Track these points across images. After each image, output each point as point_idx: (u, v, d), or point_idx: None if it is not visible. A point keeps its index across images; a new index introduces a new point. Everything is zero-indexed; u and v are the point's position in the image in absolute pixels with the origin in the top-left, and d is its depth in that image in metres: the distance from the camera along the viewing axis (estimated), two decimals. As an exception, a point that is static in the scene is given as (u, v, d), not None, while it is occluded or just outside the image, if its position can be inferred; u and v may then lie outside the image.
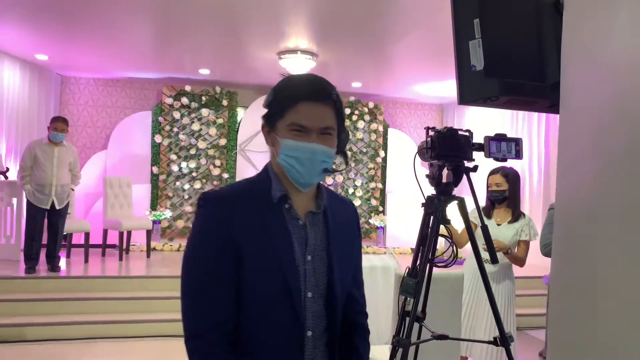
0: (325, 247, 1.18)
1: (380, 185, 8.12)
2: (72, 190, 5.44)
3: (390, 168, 8.22)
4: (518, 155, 1.67)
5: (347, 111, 7.94)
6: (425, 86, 7.48)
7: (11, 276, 5.16)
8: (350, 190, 7.98)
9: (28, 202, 5.15)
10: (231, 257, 1.11)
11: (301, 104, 1.12)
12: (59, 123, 5.14)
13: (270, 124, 1.18)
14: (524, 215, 3.03)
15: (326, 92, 1.14)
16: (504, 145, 1.62)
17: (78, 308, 4.88)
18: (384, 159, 8.19)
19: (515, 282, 3.09)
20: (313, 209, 1.20)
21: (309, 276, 1.15)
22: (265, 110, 1.19)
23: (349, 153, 7.80)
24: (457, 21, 1.19)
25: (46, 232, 5.31)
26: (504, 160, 1.66)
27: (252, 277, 1.11)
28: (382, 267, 3.60)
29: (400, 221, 7.83)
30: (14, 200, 5.86)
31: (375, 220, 7.73)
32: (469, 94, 1.16)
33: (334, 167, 1.17)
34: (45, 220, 5.22)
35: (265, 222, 1.14)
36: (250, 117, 7.73)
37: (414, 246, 1.81)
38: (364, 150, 8.10)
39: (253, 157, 7.75)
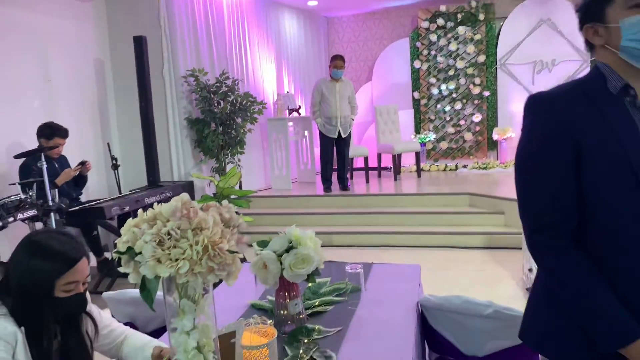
0: None
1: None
2: (352, 120, 6.15)
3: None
4: None
5: None
6: None
7: (312, 194, 6.28)
8: None
9: (320, 133, 6.06)
10: (570, 154, 1.10)
11: None
12: (338, 61, 5.81)
13: (595, 17, 1.13)
14: None
15: None
16: None
17: (365, 220, 5.67)
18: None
19: None
20: None
21: None
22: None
23: None
24: None
25: (335, 157, 6.20)
26: None
27: (597, 172, 1.09)
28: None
29: None
30: (306, 133, 6.97)
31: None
32: None
33: None
34: (334, 148, 6.10)
35: (606, 116, 1.09)
36: (510, 28, 7.28)
37: None
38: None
39: (515, 70, 7.34)
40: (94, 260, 4.13)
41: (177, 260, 0.97)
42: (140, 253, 0.98)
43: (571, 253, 1.12)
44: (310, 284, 2.02)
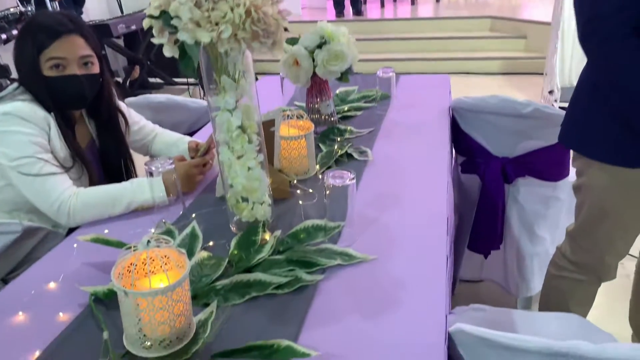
0: None
1: None
2: None
3: None
4: None
5: None
6: None
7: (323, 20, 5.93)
8: None
9: (332, -53, 5.49)
10: None
11: None
12: None
13: None
14: None
15: None
16: None
17: (380, 47, 5.44)
18: None
19: None
20: None
21: None
22: None
23: None
24: None
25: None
26: None
27: None
28: None
29: None
30: (316, -51, 6.34)
31: None
32: None
33: None
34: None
35: None
36: None
37: None
38: None
39: None
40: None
41: (217, 24, 0.88)
42: (176, 17, 0.88)
43: (633, 39, 1.04)
44: (338, 92, 1.97)
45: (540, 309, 1.50)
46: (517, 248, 1.79)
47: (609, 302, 1.84)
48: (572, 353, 0.63)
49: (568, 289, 1.36)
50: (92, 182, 1.29)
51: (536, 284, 1.79)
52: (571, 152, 1.32)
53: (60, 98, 1.22)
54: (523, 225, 1.76)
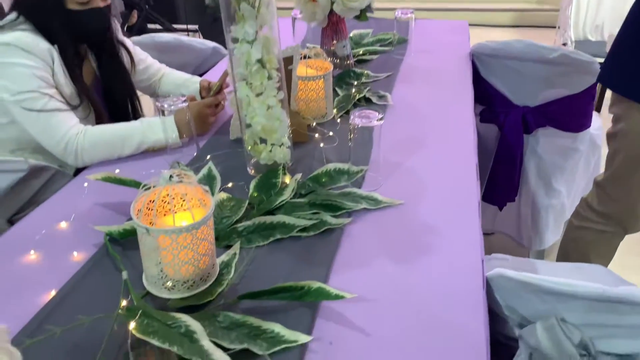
0: None
1: None
2: None
3: None
4: None
5: None
6: None
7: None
8: None
9: None
10: None
11: None
12: None
13: None
14: None
15: None
16: None
17: None
18: None
19: None
20: None
21: None
22: None
23: None
24: None
25: None
26: None
27: None
28: None
29: None
30: None
31: None
32: None
33: None
34: None
35: None
36: None
37: None
38: None
39: None
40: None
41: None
42: None
43: None
44: (351, 35, 1.88)
45: (558, 261, 1.48)
46: (532, 200, 1.75)
47: (622, 256, 1.82)
48: (627, 299, 0.60)
49: (590, 240, 1.33)
50: (100, 122, 1.22)
51: (549, 237, 1.77)
52: (610, 95, 1.26)
53: (84, 32, 1.16)
54: (540, 177, 1.71)
